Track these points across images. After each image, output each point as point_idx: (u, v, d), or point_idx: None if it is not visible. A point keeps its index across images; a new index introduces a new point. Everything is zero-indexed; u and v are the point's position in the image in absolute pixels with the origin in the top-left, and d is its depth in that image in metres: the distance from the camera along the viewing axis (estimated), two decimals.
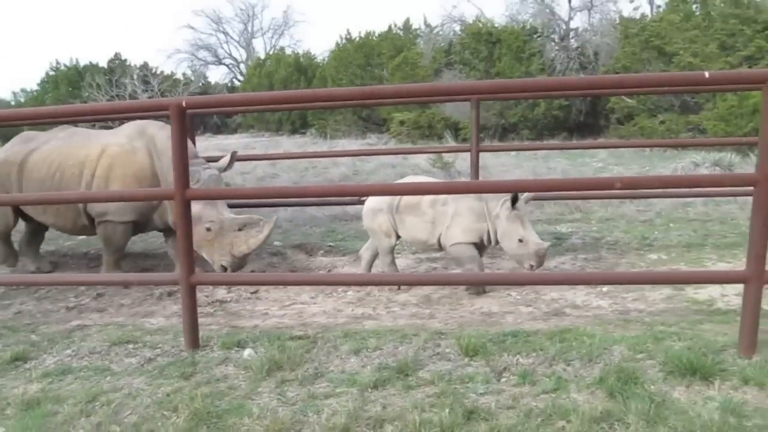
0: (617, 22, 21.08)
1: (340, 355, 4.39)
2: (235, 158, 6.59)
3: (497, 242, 5.52)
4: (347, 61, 27.83)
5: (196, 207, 5.87)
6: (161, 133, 6.44)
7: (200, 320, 4.83)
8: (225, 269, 6.15)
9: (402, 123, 22.21)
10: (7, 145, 7.11)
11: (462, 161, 13.67)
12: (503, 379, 3.91)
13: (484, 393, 3.74)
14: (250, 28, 45.11)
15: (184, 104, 4.41)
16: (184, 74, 39.64)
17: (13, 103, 39.06)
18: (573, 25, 23.44)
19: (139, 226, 6.67)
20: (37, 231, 7.33)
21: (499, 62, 21.19)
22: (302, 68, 31.75)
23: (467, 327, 4.81)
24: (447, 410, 3.46)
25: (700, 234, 7.64)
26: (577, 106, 20.93)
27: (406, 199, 5.66)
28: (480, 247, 5.65)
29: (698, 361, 3.77)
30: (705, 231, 7.78)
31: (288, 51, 38.63)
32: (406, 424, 3.36)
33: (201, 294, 6.19)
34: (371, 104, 16.00)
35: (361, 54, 27.48)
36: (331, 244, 8.03)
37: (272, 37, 47.63)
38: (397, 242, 6.03)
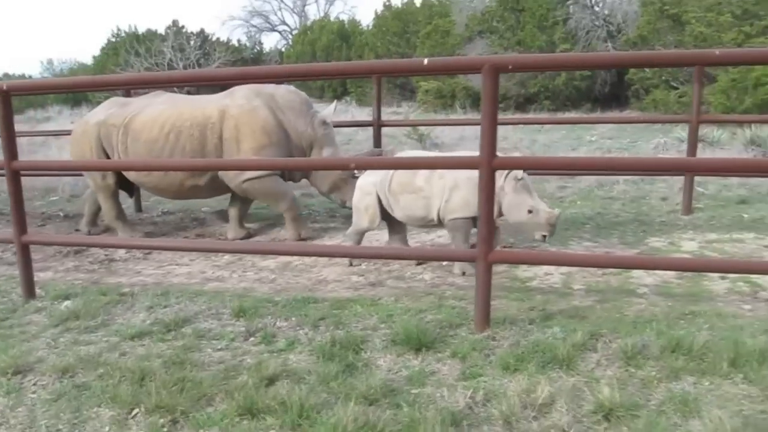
0: None
1: (136, 310, 4.77)
2: (336, 108, 7.29)
3: (499, 215, 5.16)
4: (385, 30, 27.82)
5: (329, 151, 6.94)
6: (279, 90, 7.03)
7: (78, 275, 5.61)
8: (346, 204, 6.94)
9: (427, 92, 22.18)
10: (99, 110, 7.29)
11: (441, 132, 13.72)
12: (251, 339, 4.18)
13: (221, 349, 4.03)
14: None
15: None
16: (239, 41, 40.72)
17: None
18: None
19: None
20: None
21: (521, 31, 20.76)
22: (345, 36, 31.92)
23: (277, 292, 5.11)
24: (162, 360, 3.78)
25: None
26: (602, 77, 20.33)
27: (398, 178, 5.44)
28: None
29: (425, 334, 3.93)
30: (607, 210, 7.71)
31: (341, 17, 38.90)
32: (122, 367, 3.69)
33: (102, 252, 6.73)
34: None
35: (399, 22, 27.40)
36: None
37: (325, 3, 47.79)
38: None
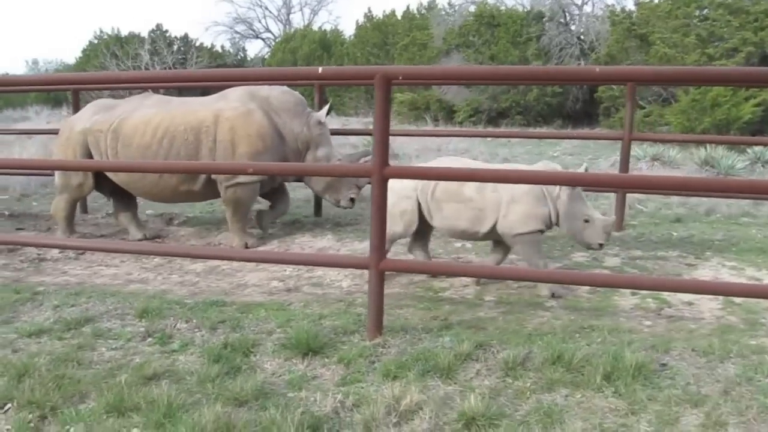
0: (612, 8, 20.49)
1: (43, 309, 4.77)
2: (331, 110, 7.22)
3: (553, 224, 5.08)
4: (365, 41, 27.97)
5: (324, 150, 6.89)
6: (273, 92, 6.93)
7: (4, 274, 5.66)
8: (353, 201, 7.01)
9: (401, 103, 22.30)
10: (84, 115, 7.05)
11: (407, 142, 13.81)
12: (148, 339, 4.20)
13: (115, 348, 4.05)
14: (288, 3, 45.59)
15: None
16: (222, 47, 40.81)
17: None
18: (587, 9, 22.87)
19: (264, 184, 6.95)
20: (129, 200, 7.27)
21: (495, 46, 20.94)
22: (327, 45, 32.02)
23: (193, 295, 5.12)
24: (50, 357, 3.79)
25: None
26: (574, 94, 20.52)
27: (444, 185, 5.08)
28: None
29: (315, 339, 3.96)
30: None
31: (326, 27, 39.10)
32: (5, 363, 3.69)
33: (35, 251, 6.70)
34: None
35: (379, 34, 27.56)
36: (190, 215, 8.38)
37: (310, 12, 48.09)
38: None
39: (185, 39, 37.41)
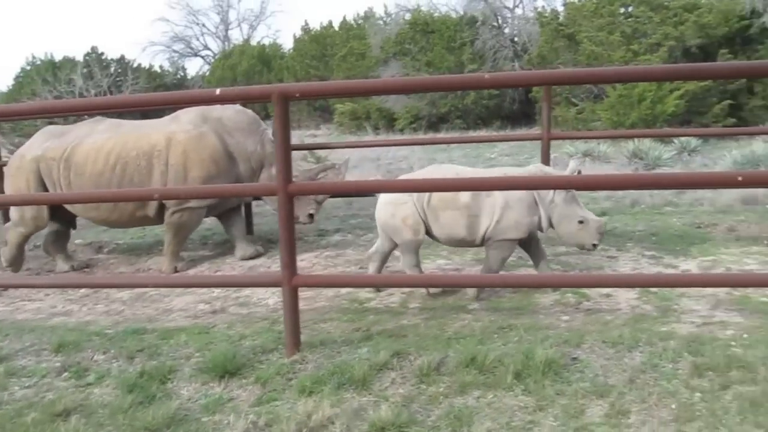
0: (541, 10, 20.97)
1: None
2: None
3: (549, 228, 5.11)
4: (303, 53, 27.99)
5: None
6: (226, 112, 6.76)
7: None
8: (312, 217, 6.83)
9: (342, 114, 22.35)
10: (35, 142, 6.85)
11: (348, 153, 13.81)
12: (63, 374, 4.11)
13: (29, 386, 3.96)
14: (226, 19, 45.33)
15: None
16: (161, 66, 40.29)
17: None
18: (519, 12, 23.31)
19: (213, 208, 6.84)
20: (63, 230, 7.17)
21: (431, 52, 21.19)
22: (266, 60, 31.92)
23: (117, 324, 5.04)
24: None
25: None
26: (510, 96, 20.88)
27: (439, 192, 5.02)
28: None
29: (232, 361, 3.94)
30: None
31: (266, 41, 38.94)
32: None
33: None
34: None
35: (317, 45, 27.60)
36: (120, 241, 8.25)
37: (249, 28, 47.93)
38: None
39: (121, 60, 36.84)
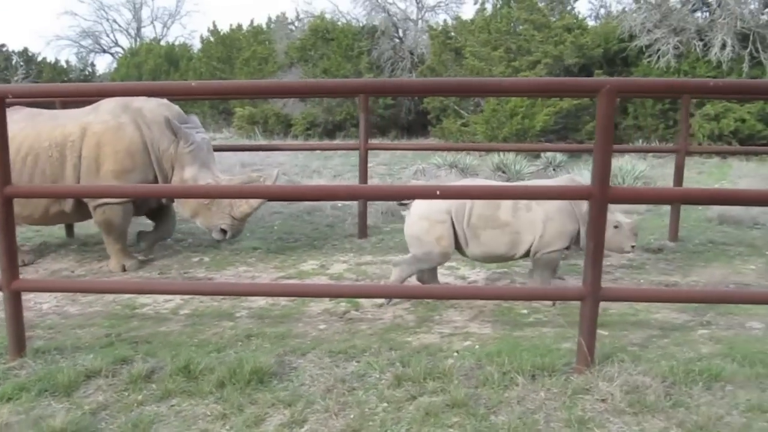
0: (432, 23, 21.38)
1: None
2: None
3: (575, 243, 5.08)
4: (210, 55, 27.65)
5: (190, 171, 6.12)
6: (148, 104, 6.26)
7: None
8: (225, 233, 6.26)
9: (241, 117, 22.16)
10: None
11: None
12: None
13: None
14: (138, 17, 44.33)
15: None
16: (67, 61, 39.03)
17: None
18: (421, 24, 23.63)
19: (138, 206, 6.47)
20: None
21: (327, 60, 21.28)
22: (173, 59, 31.38)
23: None
24: None
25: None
26: (407, 106, 21.14)
27: (480, 210, 4.92)
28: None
29: None
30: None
31: (180, 41, 38.29)
32: None
33: None
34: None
35: (224, 48, 27.30)
36: None
37: (162, 26, 47.04)
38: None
39: (24, 54, 35.57)
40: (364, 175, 7.39)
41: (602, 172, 3.48)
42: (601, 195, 3.49)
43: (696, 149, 9.03)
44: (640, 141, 15.81)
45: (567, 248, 5.09)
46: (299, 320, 4.87)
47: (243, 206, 6.13)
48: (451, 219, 4.96)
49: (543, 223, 4.90)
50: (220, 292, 4.81)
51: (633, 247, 5.09)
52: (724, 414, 3.32)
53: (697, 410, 3.30)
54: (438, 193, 3.63)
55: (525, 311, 5.03)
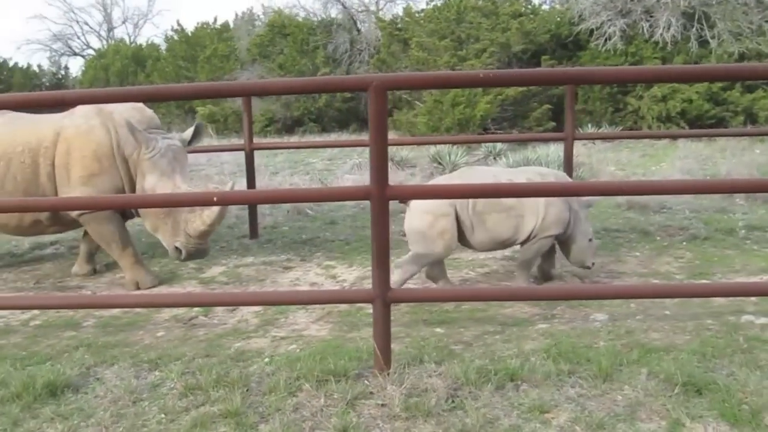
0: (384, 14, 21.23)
1: None
2: (201, 131, 6.10)
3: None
4: (175, 53, 27.50)
5: (150, 180, 5.67)
6: (120, 106, 5.89)
7: None
8: (180, 253, 5.62)
9: (202, 116, 22.03)
10: None
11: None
12: None
13: None
14: (109, 18, 44.07)
15: None
16: (39, 66, 38.85)
17: None
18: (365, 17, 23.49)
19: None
20: None
21: (282, 55, 21.14)
22: (141, 60, 31.14)
23: None
24: None
25: None
26: (365, 99, 20.97)
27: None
28: None
29: None
30: None
31: (154, 41, 38.04)
32: None
33: None
34: None
35: (188, 47, 27.13)
36: None
37: (134, 27, 46.81)
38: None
39: None
40: (251, 177, 7.28)
41: (380, 169, 3.40)
42: (380, 193, 3.41)
43: (581, 136, 8.96)
44: (590, 126, 15.72)
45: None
46: (143, 328, 4.80)
47: (196, 222, 5.46)
48: (455, 211, 4.93)
49: (545, 207, 4.96)
50: (66, 305, 4.74)
51: (593, 264, 5.28)
52: (502, 416, 3.24)
53: (475, 413, 3.21)
54: (215, 199, 3.54)
55: (370, 310, 4.94)
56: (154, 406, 3.47)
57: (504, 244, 5.17)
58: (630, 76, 4.84)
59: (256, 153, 14.35)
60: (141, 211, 5.81)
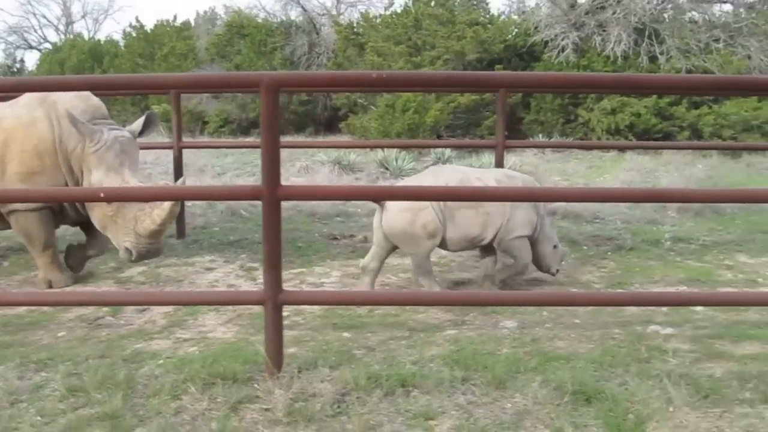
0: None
1: None
2: (154, 120, 5.68)
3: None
4: (133, 50, 27.11)
5: (96, 176, 5.23)
6: (65, 96, 5.41)
7: None
8: (131, 254, 5.24)
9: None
10: None
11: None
12: None
13: None
14: (68, 12, 43.27)
15: None
16: None
17: None
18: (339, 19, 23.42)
19: (56, 215, 5.64)
20: None
21: (239, 55, 21.00)
22: (98, 55, 30.59)
23: None
24: None
25: None
26: (322, 102, 20.94)
27: None
28: None
29: None
30: None
31: (114, 36, 37.53)
32: None
33: None
34: None
35: (146, 44, 26.77)
36: None
37: (94, 22, 46.07)
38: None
39: None
40: (179, 176, 7.13)
41: (271, 170, 3.34)
42: (271, 194, 3.35)
43: (512, 144, 9.15)
44: (540, 136, 15.88)
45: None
46: (45, 327, 4.66)
47: (146, 221, 5.10)
48: (431, 205, 4.91)
49: (511, 207, 5.01)
50: None
51: (558, 271, 5.38)
52: (386, 422, 3.20)
53: (358, 419, 3.17)
54: (102, 195, 3.44)
55: (286, 313, 4.86)
56: (32, 408, 3.35)
57: (473, 242, 5.16)
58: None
59: (205, 153, 14.26)
60: (87, 207, 5.44)
